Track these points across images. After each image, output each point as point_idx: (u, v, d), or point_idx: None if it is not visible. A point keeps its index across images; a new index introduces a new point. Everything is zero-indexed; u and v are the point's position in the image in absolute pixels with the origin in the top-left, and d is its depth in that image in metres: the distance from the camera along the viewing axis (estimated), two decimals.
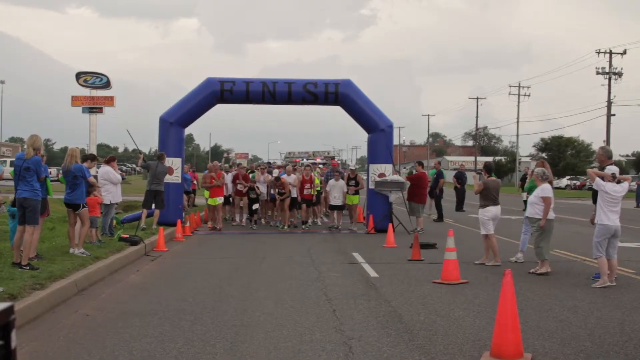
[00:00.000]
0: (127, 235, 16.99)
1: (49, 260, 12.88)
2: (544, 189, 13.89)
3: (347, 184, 24.43)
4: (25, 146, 12.63)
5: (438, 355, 7.41)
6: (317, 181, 25.81)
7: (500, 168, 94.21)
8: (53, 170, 45.40)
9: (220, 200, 23.71)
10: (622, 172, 12.78)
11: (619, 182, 12.26)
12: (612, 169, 12.48)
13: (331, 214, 25.29)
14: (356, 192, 24.71)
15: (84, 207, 14.48)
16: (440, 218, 28.09)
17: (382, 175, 23.23)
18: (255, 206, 24.66)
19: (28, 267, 11.73)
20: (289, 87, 23.48)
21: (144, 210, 21.10)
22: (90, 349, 7.77)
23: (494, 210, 15.17)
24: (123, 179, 19.80)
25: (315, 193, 25.39)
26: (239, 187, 24.65)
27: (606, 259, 12.23)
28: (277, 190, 24.23)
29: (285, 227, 24.05)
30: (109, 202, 17.87)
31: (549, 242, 13.94)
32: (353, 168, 26.13)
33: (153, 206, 20.97)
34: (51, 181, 13.89)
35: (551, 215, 13.91)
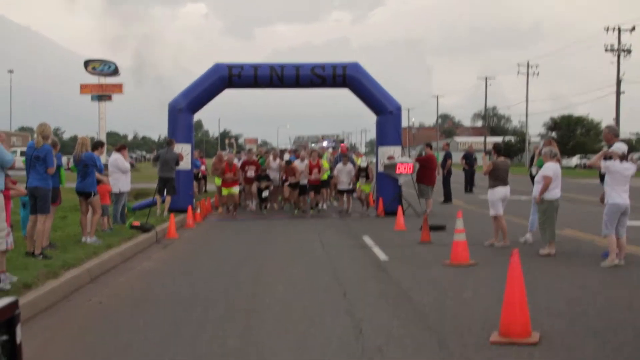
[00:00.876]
0: (139, 223, 17.12)
1: (62, 249, 13.02)
2: (546, 168, 13.87)
3: (359, 175, 24.15)
4: (35, 135, 12.75)
5: (448, 335, 7.50)
6: (325, 165, 25.48)
7: (509, 148, 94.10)
8: (64, 159, 45.61)
9: (236, 189, 23.63)
10: (631, 149, 12.89)
11: (626, 159, 12.29)
12: (621, 147, 12.50)
13: (340, 198, 25.04)
14: (368, 182, 24.45)
15: (95, 195, 14.62)
16: (448, 199, 28.08)
17: (391, 157, 23.25)
18: (265, 193, 24.40)
19: (41, 256, 11.87)
20: (297, 71, 23.50)
21: (157, 197, 21.29)
22: (104, 336, 7.90)
23: (503, 191, 15.20)
24: (132, 166, 19.87)
25: (326, 178, 25.04)
26: (249, 173, 24.50)
27: (616, 237, 12.27)
28: (286, 176, 24.03)
29: (296, 212, 23.93)
30: (117, 191, 17.91)
31: (554, 223, 13.89)
32: (364, 165, 24.95)
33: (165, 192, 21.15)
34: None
35: (556, 194, 13.87)
